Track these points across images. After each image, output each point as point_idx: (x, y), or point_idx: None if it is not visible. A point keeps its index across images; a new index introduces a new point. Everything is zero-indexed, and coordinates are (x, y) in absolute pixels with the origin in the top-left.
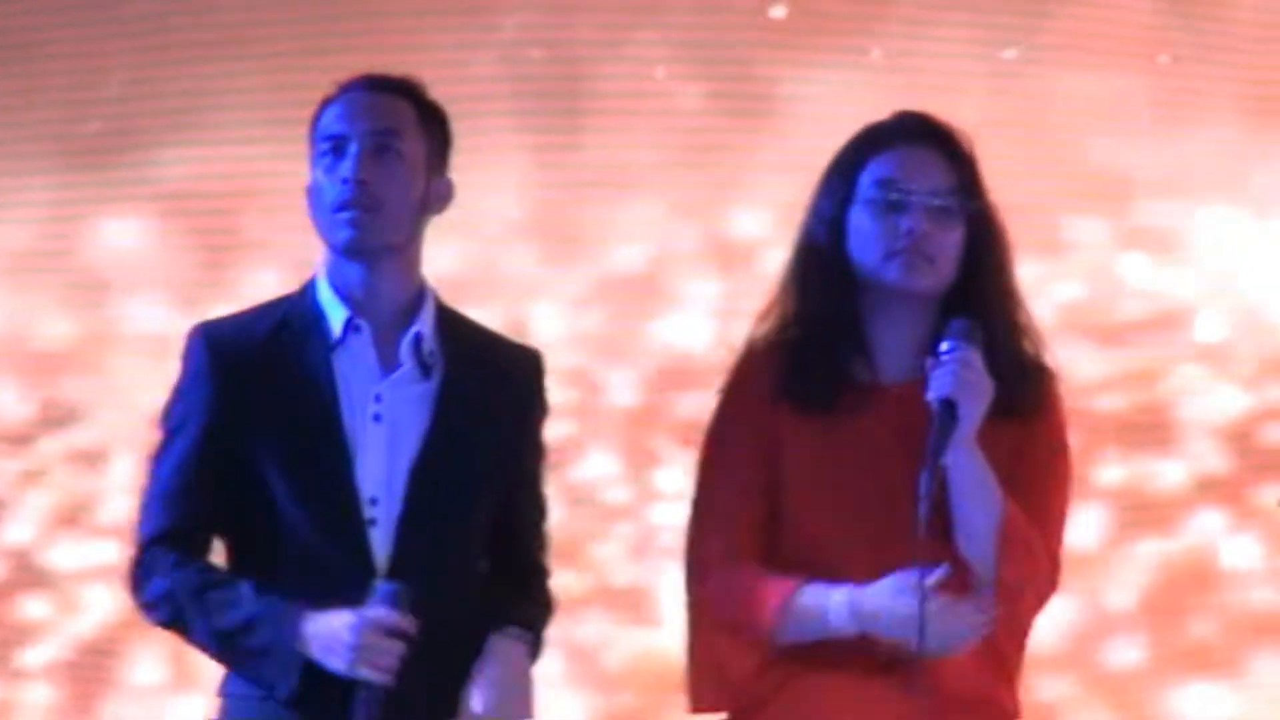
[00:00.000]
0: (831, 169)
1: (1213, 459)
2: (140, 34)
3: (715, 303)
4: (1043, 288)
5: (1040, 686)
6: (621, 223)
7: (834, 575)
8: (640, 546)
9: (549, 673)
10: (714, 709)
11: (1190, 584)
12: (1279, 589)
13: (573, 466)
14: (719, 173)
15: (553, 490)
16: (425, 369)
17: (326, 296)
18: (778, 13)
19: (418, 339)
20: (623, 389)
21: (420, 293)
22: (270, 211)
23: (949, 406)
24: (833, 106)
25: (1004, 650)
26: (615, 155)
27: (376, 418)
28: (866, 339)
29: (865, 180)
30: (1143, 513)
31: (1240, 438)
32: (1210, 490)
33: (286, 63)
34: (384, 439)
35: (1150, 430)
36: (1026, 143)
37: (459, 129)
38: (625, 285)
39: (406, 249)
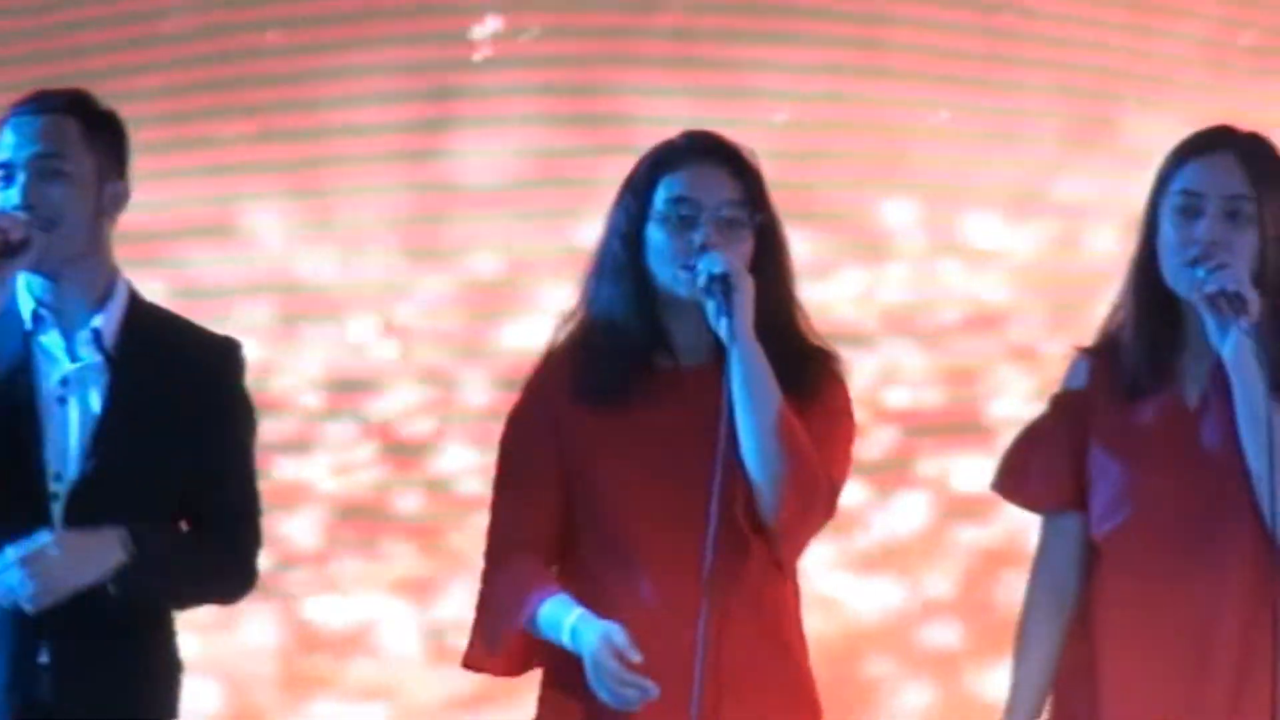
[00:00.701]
0: (626, 187)
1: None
2: None
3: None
4: (871, 292)
5: (864, 666)
6: (481, 232)
7: (633, 565)
8: None
9: (411, 653)
10: (479, 670)
11: (1003, 570)
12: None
13: (432, 459)
14: (571, 185)
15: (415, 481)
16: (107, 357)
17: (23, 297)
18: (633, 34)
19: (95, 333)
20: (478, 387)
21: (109, 289)
22: None
23: (724, 280)
24: (679, 120)
25: (788, 613)
26: (478, 166)
27: (61, 400)
28: (665, 334)
29: (659, 197)
30: (959, 503)
31: None
32: None
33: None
34: (68, 420)
35: (966, 426)
36: (856, 153)
37: (330, 141)
38: (483, 290)
39: (89, 256)
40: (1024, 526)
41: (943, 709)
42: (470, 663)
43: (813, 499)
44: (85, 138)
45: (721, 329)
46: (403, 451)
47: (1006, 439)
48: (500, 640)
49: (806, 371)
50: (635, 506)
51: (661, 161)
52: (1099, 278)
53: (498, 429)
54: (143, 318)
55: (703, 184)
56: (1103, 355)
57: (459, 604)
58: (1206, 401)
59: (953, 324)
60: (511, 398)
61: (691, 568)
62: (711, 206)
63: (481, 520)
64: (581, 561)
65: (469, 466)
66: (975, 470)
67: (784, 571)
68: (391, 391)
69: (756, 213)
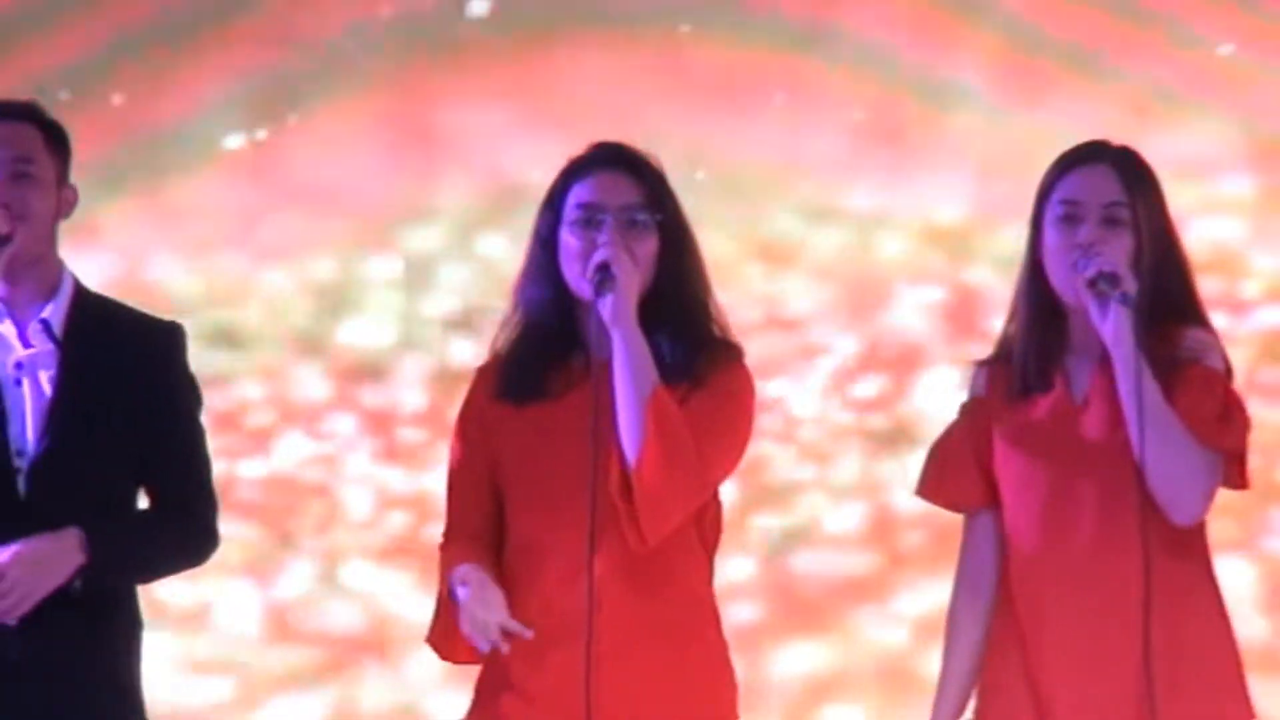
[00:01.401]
0: (545, 197)
1: (829, 445)
2: None
3: (399, 308)
4: None
5: None
6: (319, 233)
7: (539, 546)
8: (327, 519)
9: (250, 633)
10: (437, 653)
11: (800, 552)
12: (875, 555)
13: (274, 449)
14: (405, 192)
15: (258, 470)
16: (57, 344)
17: None
18: (469, 49)
19: (44, 323)
20: (314, 381)
21: (57, 282)
22: None
23: (604, 268)
24: (504, 135)
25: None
26: (320, 171)
27: (17, 382)
28: (581, 332)
29: (568, 204)
30: (762, 491)
31: (845, 427)
32: (819, 472)
33: None
34: (24, 400)
35: (770, 420)
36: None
37: (177, 143)
38: (321, 290)
39: (46, 254)
40: (817, 514)
41: (744, 680)
42: (430, 641)
43: (675, 475)
44: (47, 145)
45: (604, 311)
46: (246, 440)
47: (807, 432)
48: (441, 621)
49: (702, 360)
50: (542, 493)
51: (571, 171)
52: (888, 280)
53: (334, 420)
54: (88, 306)
55: (606, 189)
56: (998, 363)
57: (296, 583)
58: (1090, 397)
59: (754, 323)
60: (348, 389)
61: (580, 546)
62: (614, 209)
63: (318, 506)
64: (509, 545)
65: (305, 457)
66: (777, 460)
67: (680, 547)
68: (235, 385)
69: (657, 214)
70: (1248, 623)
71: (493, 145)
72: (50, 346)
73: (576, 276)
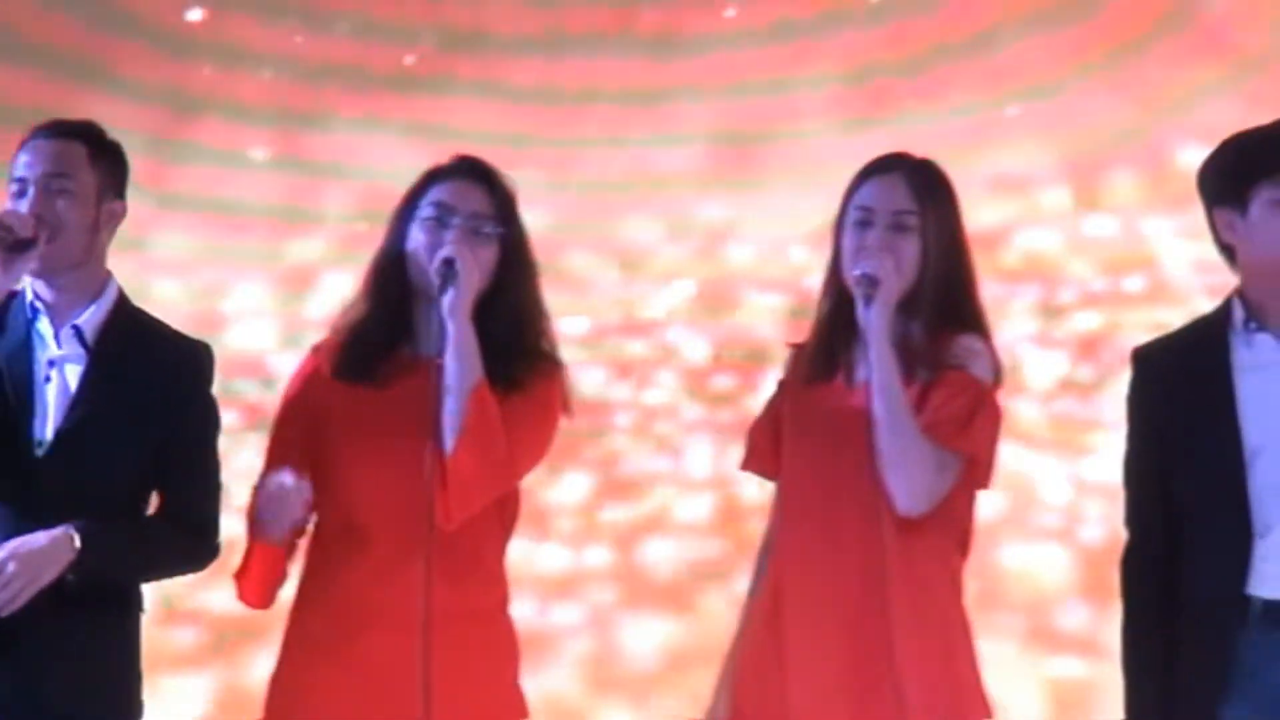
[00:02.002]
0: (403, 197)
1: (679, 439)
2: None
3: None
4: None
5: (536, 621)
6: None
7: (360, 523)
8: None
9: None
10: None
11: (652, 539)
12: (723, 541)
13: None
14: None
15: None
16: (88, 349)
17: (29, 295)
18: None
19: (76, 329)
20: None
21: (100, 291)
22: None
23: (449, 263)
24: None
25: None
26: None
27: (47, 379)
28: (414, 325)
29: (424, 202)
30: (617, 482)
31: (695, 423)
32: (670, 465)
33: None
34: (52, 398)
35: (626, 414)
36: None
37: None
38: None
39: (86, 264)
40: (667, 504)
41: (599, 653)
42: (235, 577)
43: (484, 465)
44: (90, 161)
45: (443, 305)
46: None
47: (662, 428)
48: (250, 558)
49: (525, 367)
50: (365, 472)
51: (432, 175)
52: (737, 286)
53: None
54: (125, 318)
55: (460, 194)
56: (798, 349)
57: None
58: (865, 384)
59: (613, 325)
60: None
61: (406, 526)
62: (464, 214)
63: None
64: (329, 519)
65: None
66: (633, 453)
67: (484, 530)
68: None
69: (501, 227)
70: (1070, 611)
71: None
72: (80, 350)
73: (421, 270)
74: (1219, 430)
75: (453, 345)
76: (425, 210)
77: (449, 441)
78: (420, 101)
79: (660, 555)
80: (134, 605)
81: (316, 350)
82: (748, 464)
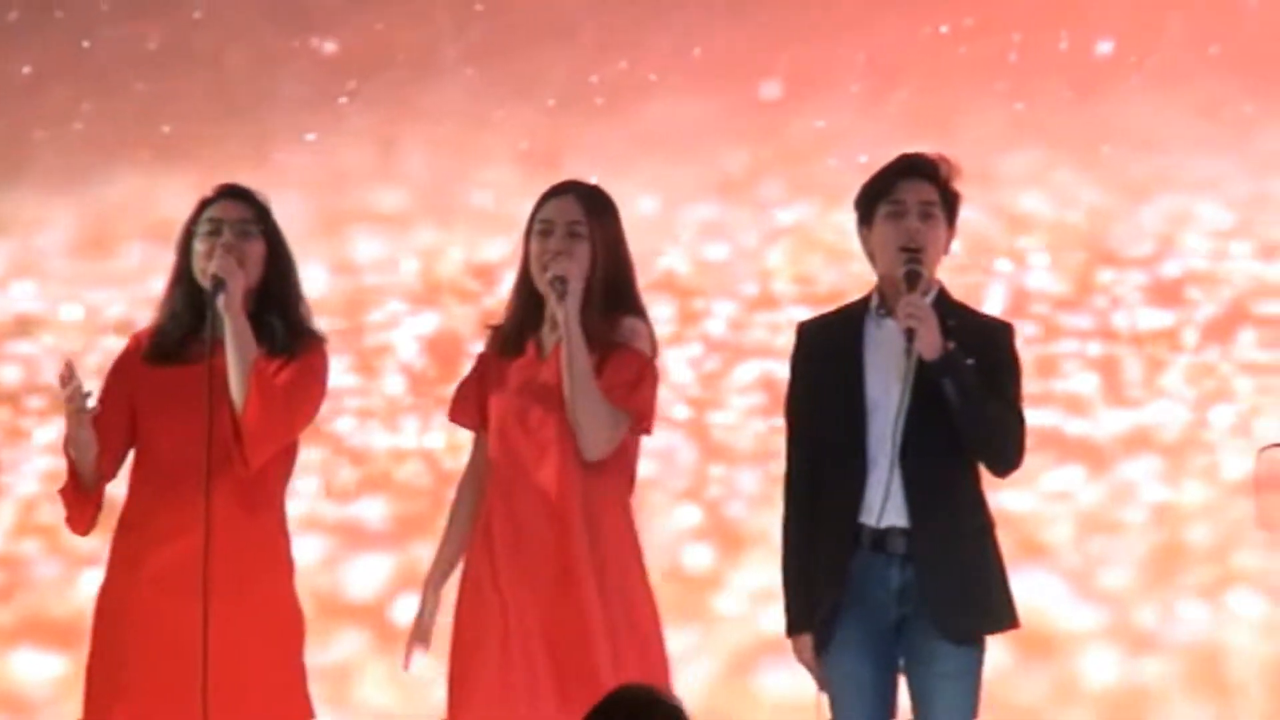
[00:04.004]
0: (188, 218)
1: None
2: None
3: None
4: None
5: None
6: None
7: (161, 477)
8: None
9: None
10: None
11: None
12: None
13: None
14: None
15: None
16: None
17: None
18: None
19: None
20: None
21: None
22: None
23: (215, 276)
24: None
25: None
26: None
27: None
28: (206, 317)
29: (201, 219)
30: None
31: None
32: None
33: None
34: None
35: (371, 395)
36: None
37: None
38: None
39: None
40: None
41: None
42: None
43: (270, 419)
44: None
45: (219, 305)
46: None
47: (420, 414)
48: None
49: (296, 341)
50: (164, 436)
51: (205, 201)
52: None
53: None
54: None
55: (226, 210)
56: (496, 329)
57: None
58: (551, 358)
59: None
60: None
61: (195, 469)
62: (230, 222)
63: None
64: (136, 462)
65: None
66: (374, 435)
67: (266, 481)
68: None
69: (259, 226)
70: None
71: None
72: None
73: (201, 274)
74: (848, 388)
75: (231, 334)
76: (202, 225)
77: (239, 404)
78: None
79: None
80: None
81: (135, 338)
82: (451, 414)
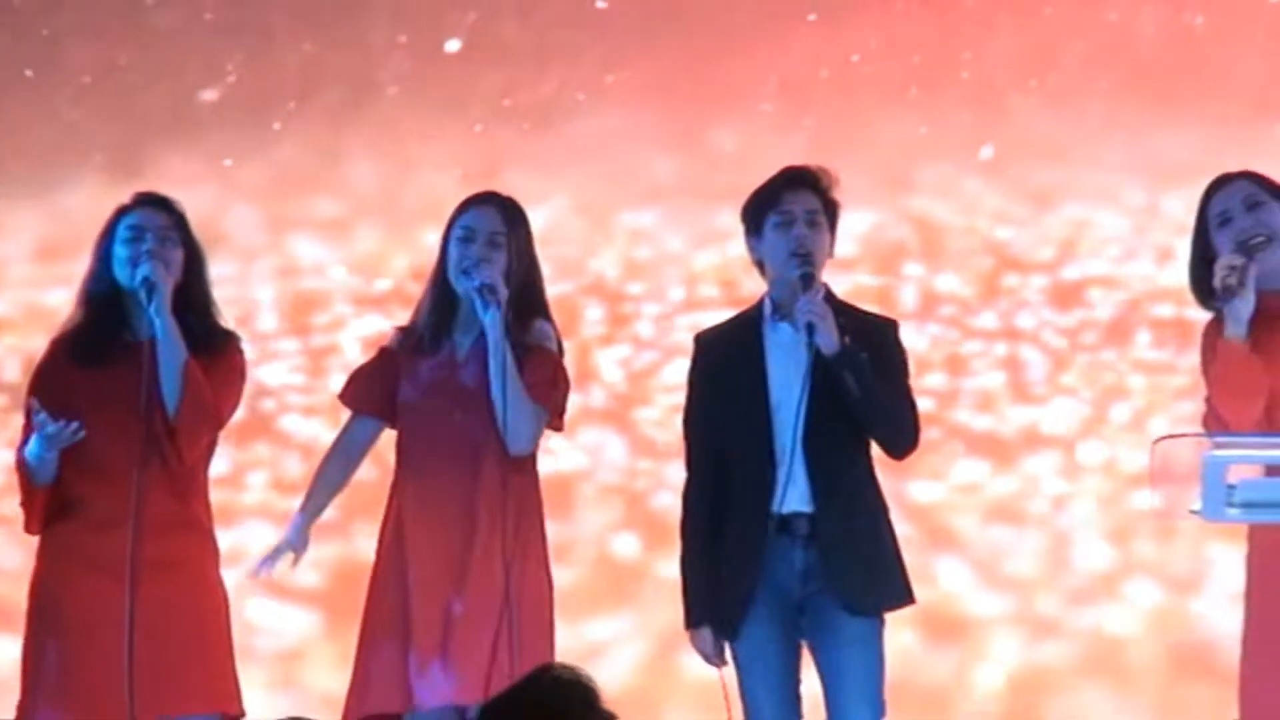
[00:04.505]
0: (105, 223)
1: None
2: None
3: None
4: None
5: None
6: None
7: (93, 471)
8: None
9: None
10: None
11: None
12: None
13: None
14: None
15: None
16: None
17: None
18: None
19: None
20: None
21: None
22: None
23: (146, 280)
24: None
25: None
26: None
27: None
28: (127, 317)
29: (121, 225)
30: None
31: None
32: None
33: None
34: None
35: (318, 391)
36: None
37: None
38: None
39: None
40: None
41: None
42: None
43: (199, 416)
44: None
45: (150, 308)
46: None
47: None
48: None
49: (214, 340)
50: (97, 433)
51: (121, 209)
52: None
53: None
54: None
55: (148, 217)
56: (408, 330)
57: None
58: (468, 357)
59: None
60: None
61: (126, 463)
62: (153, 229)
63: None
64: (68, 468)
65: None
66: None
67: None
68: None
69: (178, 233)
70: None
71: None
72: None
73: (127, 278)
74: (753, 390)
75: (163, 335)
76: (123, 231)
77: (171, 404)
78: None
79: None
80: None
81: (53, 343)
82: (349, 399)
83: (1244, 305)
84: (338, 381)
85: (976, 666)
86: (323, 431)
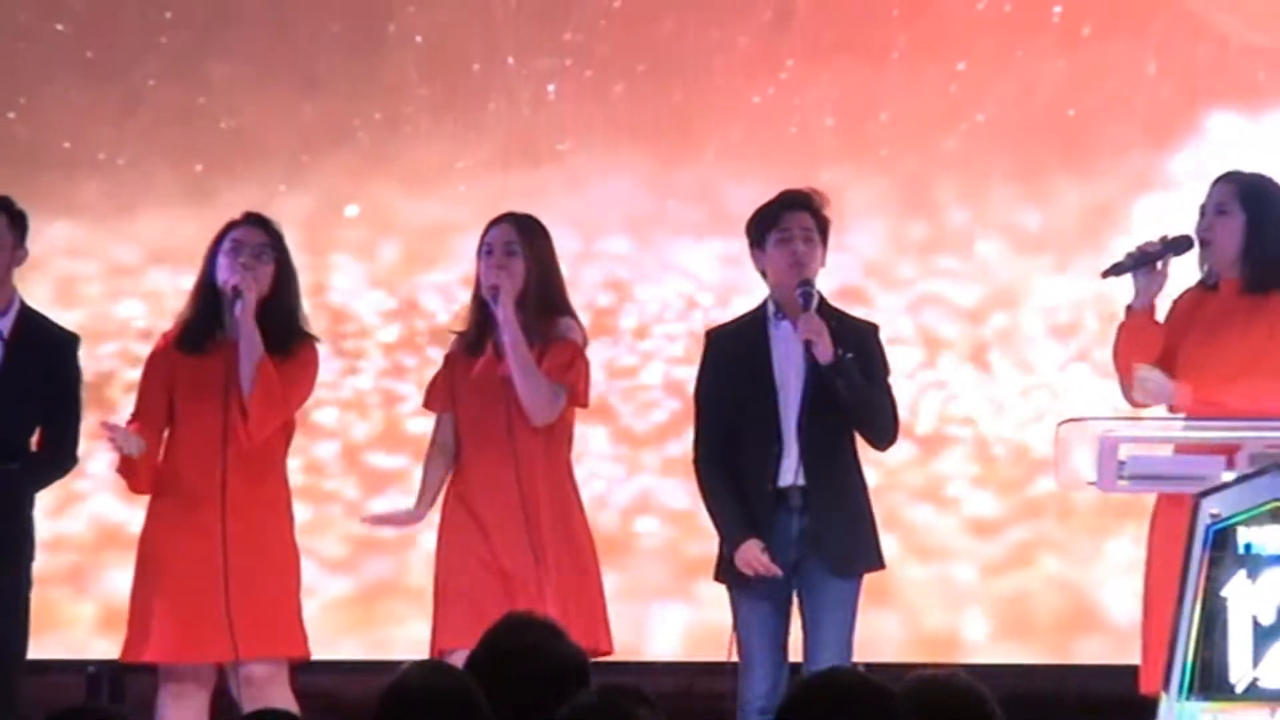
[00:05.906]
0: (213, 239)
1: None
2: None
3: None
4: None
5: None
6: None
7: (184, 436)
8: None
9: None
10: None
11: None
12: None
13: None
14: None
15: None
16: (4, 342)
17: None
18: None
19: None
20: None
21: (9, 303)
22: None
23: (238, 294)
24: None
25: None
26: None
27: None
28: (223, 318)
29: (226, 239)
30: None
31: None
32: None
33: None
34: None
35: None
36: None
37: None
38: None
39: (3, 286)
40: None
41: None
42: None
43: (270, 404)
44: (10, 225)
45: (235, 311)
46: None
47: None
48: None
49: (294, 341)
50: (192, 413)
51: (229, 225)
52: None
53: None
54: (27, 320)
55: (248, 234)
56: (461, 334)
57: None
58: (499, 354)
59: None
60: None
61: (212, 443)
62: (251, 245)
63: None
64: (170, 444)
65: None
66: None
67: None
68: None
69: (273, 249)
70: None
71: None
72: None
73: (223, 285)
74: (759, 377)
75: (243, 335)
76: (226, 244)
77: (247, 391)
78: None
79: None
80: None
81: (165, 336)
82: (428, 403)
83: (1146, 281)
84: (362, 380)
85: (905, 628)
86: (354, 422)
